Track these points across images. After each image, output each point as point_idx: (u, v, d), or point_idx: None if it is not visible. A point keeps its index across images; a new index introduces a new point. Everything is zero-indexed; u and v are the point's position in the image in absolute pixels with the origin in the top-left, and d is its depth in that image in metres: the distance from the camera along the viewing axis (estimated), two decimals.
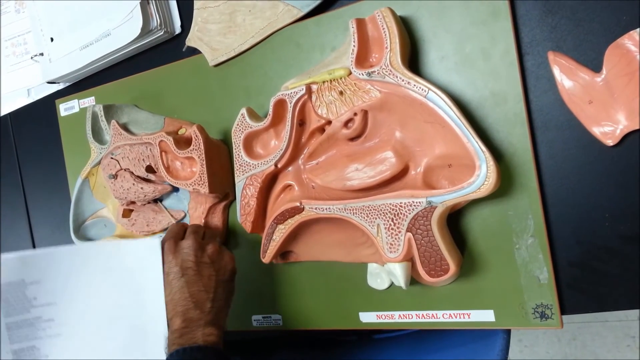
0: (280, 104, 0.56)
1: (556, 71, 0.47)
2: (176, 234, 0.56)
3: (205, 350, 0.47)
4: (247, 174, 0.59)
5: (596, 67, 0.46)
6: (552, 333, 1.27)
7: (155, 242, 0.55)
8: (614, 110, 0.46)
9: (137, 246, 0.56)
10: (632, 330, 1.20)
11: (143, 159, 0.65)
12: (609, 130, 0.46)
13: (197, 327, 0.49)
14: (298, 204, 0.55)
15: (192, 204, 0.66)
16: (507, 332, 0.54)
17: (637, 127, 0.45)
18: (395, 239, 0.50)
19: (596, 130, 0.47)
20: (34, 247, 0.86)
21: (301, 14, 0.58)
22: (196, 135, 0.60)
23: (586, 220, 0.48)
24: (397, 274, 0.51)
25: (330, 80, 0.54)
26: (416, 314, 0.55)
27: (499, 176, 0.46)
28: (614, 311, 0.50)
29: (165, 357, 0.49)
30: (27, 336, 0.56)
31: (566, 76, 0.47)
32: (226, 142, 0.65)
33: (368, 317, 0.58)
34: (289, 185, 0.59)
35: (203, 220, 0.64)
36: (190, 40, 0.66)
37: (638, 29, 0.43)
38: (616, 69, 0.44)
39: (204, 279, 0.52)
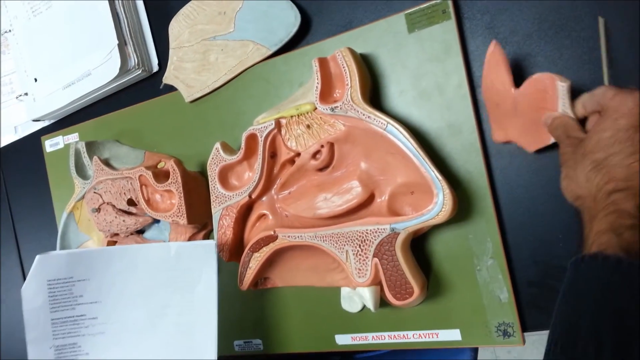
0: (252, 138, 0.59)
1: (487, 63, 0.49)
2: None
3: (602, 261, 0.35)
4: (223, 205, 0.62)
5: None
6: (540, 343, 1.28)
7: (210, 243, 0.56)
8: (510, 123, 0.49)
9: (191, 247, 0.57)
10: None
11: (124, 193, 0.68)
12: (501, 134, 0.51)
13: (592, 216, 0.38)
14: (272, 233, 0.58)
15: (172, 235, 0.68)
16: (475, 350, 0.56)
17: (521, 146, 0.50)
18: (363, 264, 0.53)
19: (494, 127, 0.51)
20: (24, 278, 0.88)
21: (269, 52, 0.62)
22: (174, 169, 0.63)
23: (541, 241, 0.51)
24: (366, 297, 0.54)
25: (298, 115, 0.57)
26: (389, 335, 0.58)
27: (456, 203, 0.49)
28: None
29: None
30: (70, 333, 0.56)
31: (493, 73, 0.49)
32: (204, 173, 0.68)
33: (343, 340, 0.60)
34: (264, 215, 0.61)
35: None
36: (167, 78, 0.69)
37: (561, 82, 0.44)
38: (528, 95, 0.47)
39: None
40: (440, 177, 0.49)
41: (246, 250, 0.60)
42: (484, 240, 0.52)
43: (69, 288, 0.56)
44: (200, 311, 0.55)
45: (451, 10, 0.52)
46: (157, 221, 0.70)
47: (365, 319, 0.59)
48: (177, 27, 0.68)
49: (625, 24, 0.47)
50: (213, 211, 0.62)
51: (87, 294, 0.57)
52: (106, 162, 0.70)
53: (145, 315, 0.57)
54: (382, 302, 0.55)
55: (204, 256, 0.56)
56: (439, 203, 0.49)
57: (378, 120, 0.52)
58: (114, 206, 0.69)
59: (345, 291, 0.59)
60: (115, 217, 0.69)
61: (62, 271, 0.56)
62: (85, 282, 0.57)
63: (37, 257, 0.56)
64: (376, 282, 0.54)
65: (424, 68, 0.54)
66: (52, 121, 0.82)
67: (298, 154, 0.58)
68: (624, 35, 0.47)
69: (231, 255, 0.62)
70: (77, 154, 0.71)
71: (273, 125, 0.58)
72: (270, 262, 0.61)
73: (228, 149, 0.63)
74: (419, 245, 0.55)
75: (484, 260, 0.52)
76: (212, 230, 0.67)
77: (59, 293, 0.56)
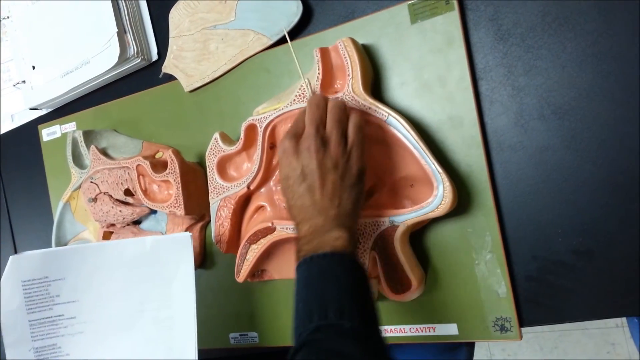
0: (251, 129, 0.59)
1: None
2: (296, 132, 0.50)
3: (331, 257, 0.45)
4: (221, 196, 0.61)
5: (542, 93, 0.49)
6: (535, 342, 1.29)
7: (186, 236, 0.56)
8: None
9: (167, 240, 0.57)
10: (611, 337, 1.22)
11: (121, 183, 0.67)
12: None
13: (323, 232, 0.46)
14: (270, 224, 0.57)
15: (169, 225, 0.68)
16: (471, 344, 0.56)
17: None
18: (361, 257, 0.52)
19: None
20: None
21: (270, 42, 0.61)
22: (171, 159, 0.62)
23: (541, 236, 0.51)
24: None
25: None
26: (385, 329, 0.57)
27: (456, 196, 0.49)
28: (573, 322, 0.52)
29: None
30: (49, 334, 0.56)
31: None
32: (202, 164, 0.67)
33: None
34: (262, 206, 0.61)
35: None
36: (167, 67, 0.68)
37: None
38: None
39: (327, 185, 0.47)
40: (440, 170, 0.49)
41: (244, 241, 0.60)
42: (483, 234, 0.52)
43: (45, 288, 0.56)
44: (179, 305, 0.55)
45: (454, 1, 0.51)
46: (154, 212, 0.69)
47: None
48: (178, 15, 0.67)
49: (627, 17, 0.47)
50: (211, 202, 0.62)
51: (63, 293, 0.56)
52: (103, 152, 0.69)
53: (124, 312, 0.56)
54: (380, 296, 0.55)
55: (180, 249, 0.56)
56: (439, 196, 0.49)
57: (379, 112, 0.51)
58: (110, 196, 0.68)
59: None
60: (112, 207, 0.68)
61: (36, 271, 0.56)
62: (61, 282, 0.56)
63: (10, 258, 0.55)
64: (374, 276, 0.53)
65: (426, 59, 0.53)
66: (50, 110, 0.82)
67: None
68: (626, 31, 0.47)
69: (228, 247, 0.62)
70: (74, 143, 0.70)
71: (273, 116, 0.57)
72: (267, 254, 0.60)
73: (227, 139, 0.62)
74: (417, 238, 0.55)
75: (483, 254, 0.52)
76: (209, 221, 0.66)
77: (35, 294, 0.56)
